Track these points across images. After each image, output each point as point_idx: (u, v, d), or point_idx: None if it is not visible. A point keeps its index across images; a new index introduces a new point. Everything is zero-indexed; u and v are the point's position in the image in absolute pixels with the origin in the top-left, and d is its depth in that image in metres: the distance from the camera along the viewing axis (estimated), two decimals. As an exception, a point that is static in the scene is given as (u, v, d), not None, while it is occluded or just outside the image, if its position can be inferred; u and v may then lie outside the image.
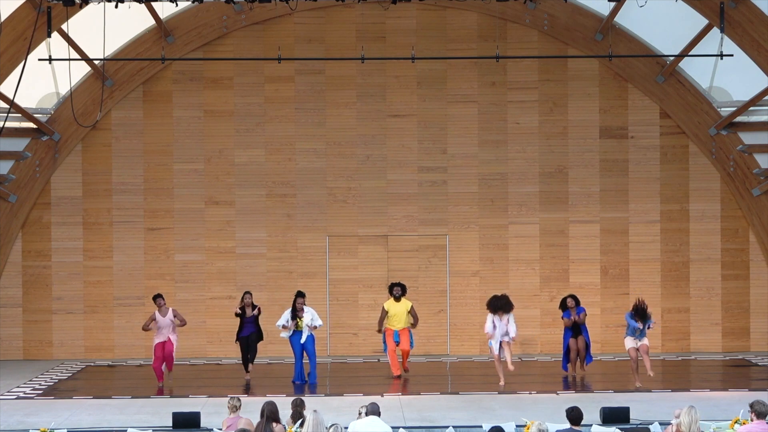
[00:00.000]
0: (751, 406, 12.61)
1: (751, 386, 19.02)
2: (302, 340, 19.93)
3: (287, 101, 23.90)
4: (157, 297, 20.25)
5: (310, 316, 19.94)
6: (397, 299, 20.70)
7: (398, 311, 20.65)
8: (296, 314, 19.95)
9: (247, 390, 19.29)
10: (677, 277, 23.92)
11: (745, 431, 12.70)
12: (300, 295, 20.09)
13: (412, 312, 20.77)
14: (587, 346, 20.45)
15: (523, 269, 23.99)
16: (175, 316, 20.10)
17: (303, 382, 19.85)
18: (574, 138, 23.98)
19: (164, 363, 20.08)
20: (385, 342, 20.72)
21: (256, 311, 20.58)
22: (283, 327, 20.10)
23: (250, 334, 20.56)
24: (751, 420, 12.62)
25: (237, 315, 20.62)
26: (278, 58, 20.95)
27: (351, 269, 23.93)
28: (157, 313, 20.11)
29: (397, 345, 20.66)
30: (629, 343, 19.32)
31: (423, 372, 20.98)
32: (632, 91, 23.91)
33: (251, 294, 20.81)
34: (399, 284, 20.86)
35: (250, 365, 20.58)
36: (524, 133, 23.96)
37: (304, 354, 20.08)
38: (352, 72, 23.83)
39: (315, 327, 20.07)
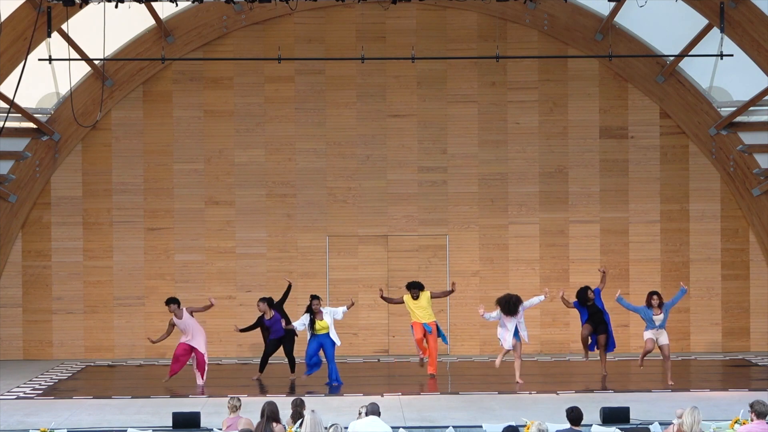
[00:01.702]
0: (751, 406, 12.61)
1: (751, 386, 19.01)
2: (338, 343, 19.72)
3: (287, 101, 23.90)
4: (169, 302, 20.06)
5: (330, 317, 19.71)
6: (416, 298, 20.54)
7: (421, 305, 20.47)
8: (313, 318, 19.67)
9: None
10: (677, 277, 23.87)
11: (745, 431, 12.70)
12: (315, 297, 19.84)
13: (434, 296, 20.61)
14: (609, 335, 20.25)
15: (523, 269, 23.98)
16: (192, 313, 20.05)
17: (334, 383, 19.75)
18: (574, 138, 23.97)
19: (198, 373, 20.06)
20: (413, 333, 20.55)
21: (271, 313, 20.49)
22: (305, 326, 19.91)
23: (281, 337, 20.42)
24: (751, 420, 12.61)
25: (257, 326, 20.63)
26: (278, 58, 20.95)
27: (351, 269, 23.92)
28: (174, 319, 20.04)
29: (429, 334, 20.48)
30: (648, 335, 19.37)
31: (423, 372, 20.94)
32: (632, 91, 23.91)
33: (265, 301, 20.63)
34: (415, 285, 20.66)
35: (266, 366, 20.56)
36: (524, 133, 23.96)
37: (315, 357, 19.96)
38: (352, 72, 23.83)
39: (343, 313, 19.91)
